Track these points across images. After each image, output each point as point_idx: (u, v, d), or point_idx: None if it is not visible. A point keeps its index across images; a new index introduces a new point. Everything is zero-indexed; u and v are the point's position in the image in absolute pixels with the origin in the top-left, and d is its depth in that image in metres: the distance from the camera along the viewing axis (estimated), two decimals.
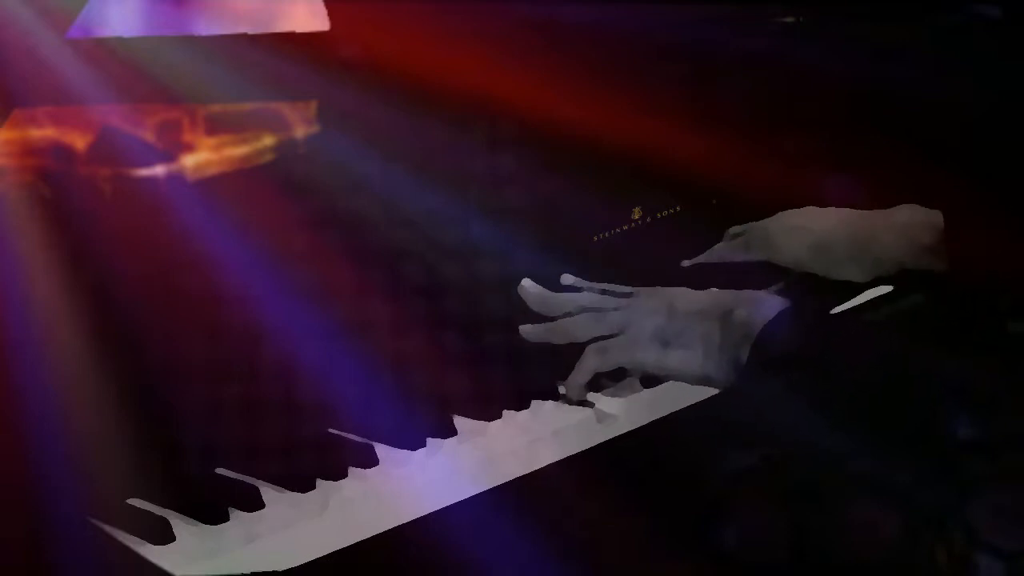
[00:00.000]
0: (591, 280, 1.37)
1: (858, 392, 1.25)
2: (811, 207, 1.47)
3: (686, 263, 1.52)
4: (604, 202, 1.49)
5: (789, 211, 1.47)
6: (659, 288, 1.28)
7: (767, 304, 1.18)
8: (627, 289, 1.29)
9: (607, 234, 1.50)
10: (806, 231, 1.44)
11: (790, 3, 1.68)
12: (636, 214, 1.52)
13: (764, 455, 1.11)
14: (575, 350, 1.35)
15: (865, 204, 1.58)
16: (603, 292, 1.30)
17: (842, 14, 1.71)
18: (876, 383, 1.36)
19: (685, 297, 1.24)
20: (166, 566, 1.06)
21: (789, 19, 1.68)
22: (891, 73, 1.72)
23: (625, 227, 1.52)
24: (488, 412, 1.27)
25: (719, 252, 1.50)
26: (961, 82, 1.80)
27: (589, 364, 1.25)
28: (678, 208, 1.56)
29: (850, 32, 1.70)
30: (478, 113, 1.36)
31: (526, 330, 1.29)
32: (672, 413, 1.32)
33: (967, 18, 1.86)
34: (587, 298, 1.29)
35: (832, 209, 1.46)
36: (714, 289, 1.27)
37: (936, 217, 1.41)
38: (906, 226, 1.42)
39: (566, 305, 1.29)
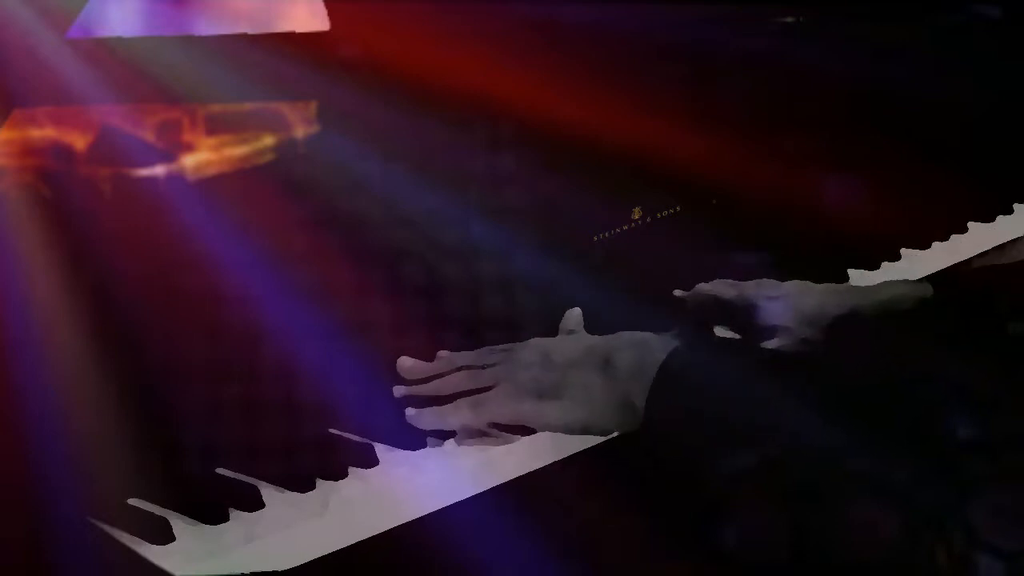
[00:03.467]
0: (591, 280, 1.37)
1: (858, 392, 1.25)
2: (794, 282, 1.43)
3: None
4: (604, 202, 1.49)
5: (774, 285, 1.43)
6: (535, 340, 1.26)
7: (654, 344, 1.17)
8: (506, 346, 1.26)
9: (607, 234, 1.50)
10: (790, 305, 1.39)
11: (790, 3, 1.68)
12: (636, 214, 1.52)
13: (764, 455, 1.11)
14: None
15: (864, 204, 1.58)
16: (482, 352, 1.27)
17: (842, 14, 1.71)
18: (876, 383, 1.36)
19: (561, 347, 1.23)
20: (166, 566, 1.06)
21: (789, 19, 1.68)
22: (891, 73, 1.72)
23: (625, 227, 1.52)
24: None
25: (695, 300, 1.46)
26: (961, 82, 1.80)
27: (462, 419, 1.22)
28: (678, 208, 1.56)
29: (850, 32, 1.71)
30: (478, 113, 1.36)
31: (399, 390, 1.26)
32: (672, 413, 1.32)
33: (967, 18, 1.86)
34: (465, 357, 1.27)
35: (818, 287, 1.43)
36: (592, 338, 1.25)
37: (922, 290, 1.40)
38: (892, 302, 1.40)
39: (443, 366, 1.27)
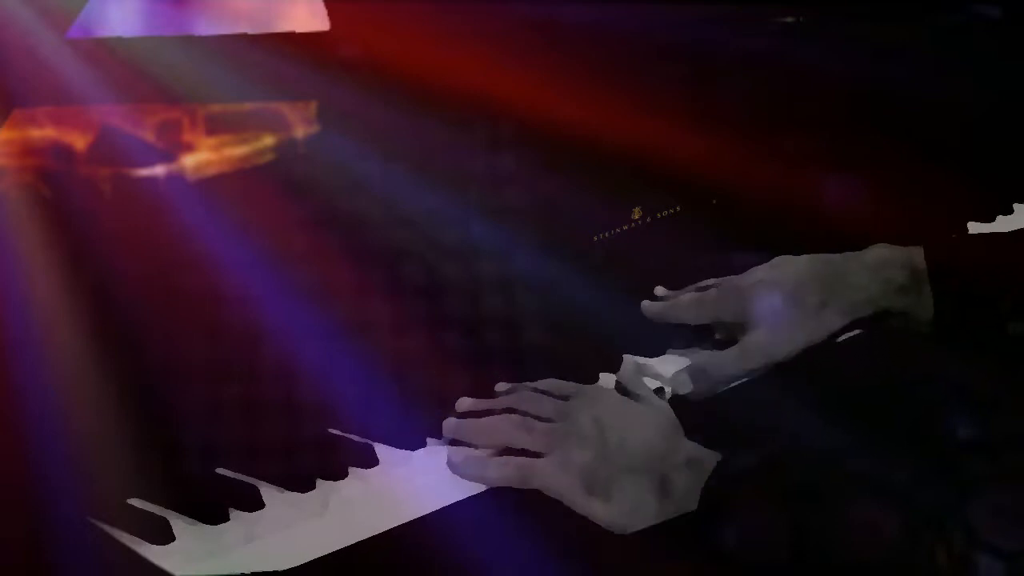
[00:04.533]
0: (591, 280, 1.37)
1: (858, 392, 1.25)
2: (781, 257, 1.41)
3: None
4: (604, 202, 1.49)
5: (758, 266, 1.42)
6: (594, 396, 1.21)
7: (710, 464, 1.14)
8: (564, 391, 1.22)
9: (607, 234, 1.50)
10: (776, 283, 1.37)
11: (790, 3, 1.68)
12: (636, 214, 1.52)
13: (764, 455, 1.11)
14: (576, 350, 1.36)
15: (864, 204, 1.58)
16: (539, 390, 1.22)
17: (842, 14, 1.71)
18: (876, 383, 1.36)
19: (620, 433, 1.16)
20: (166, 566, 1.06)
21: (789, 19, 1.68)
22: (891, 73, 1.72)
23: (625, 227, 1.52)
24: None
25: (689, 302, 1.42)
26: (961, 82, 1.80)
27: (504, 477, 1.17)
28: (678, 208, 1.56)
29: (850, 32, 1.70)
30: (478, 113, 1.36)
31: (449, 427, 1.22)
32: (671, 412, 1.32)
33: (967, 18, 1.86)
34: (522, 400, 1.21)
35: (802, 256, 1.41)
36: (653, 433, 1.18)
37: (909, 255, 1.37)
38: (879, 265, 1.38)
39: (497, 404, 1.22)
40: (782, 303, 1.35)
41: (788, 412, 1.37)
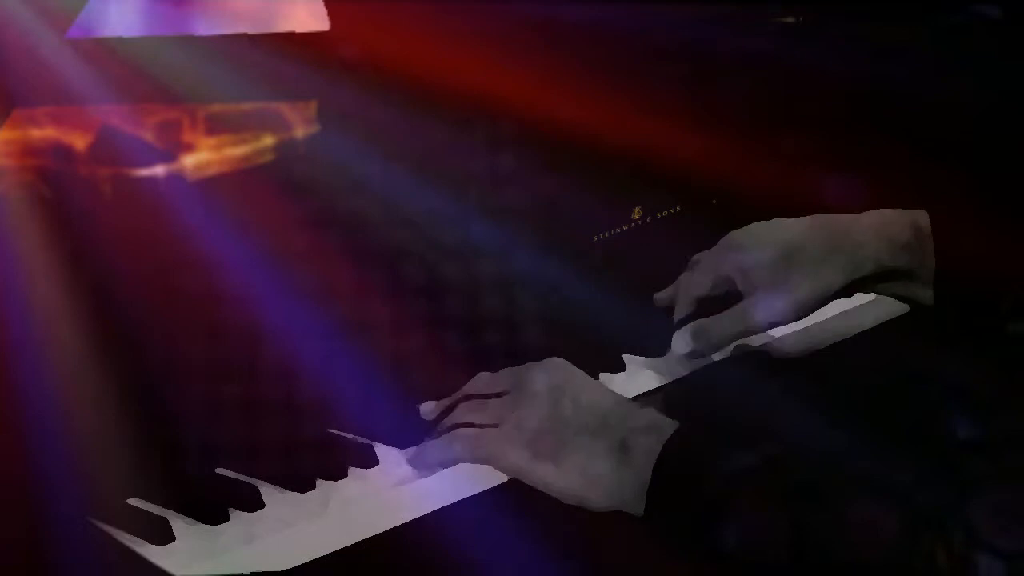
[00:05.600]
0: (591, 280, 1.37)
1: (858, 392, 1.25)
2: (780, 219, 1.39)
3: (659, 297, 1.44)
4: (604, 202, 1.49)
5: (758, 222, 1.40)
6: (555, 368, 1.18)
7: (670, 429, 1.12)
8: (524, 367, 1.20)
9: (607, 234, 1.50)
10: (778, 235, 1.35)
11: (790, 3, 1.68)
12: (636, 214, 1.52)
13: (764, 455, 1.11)
14: (576, 350, 1.35)
15: (864, 204, 1.58)
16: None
17: (842, 14, 1.71)
18: (876, 383, 1.36)
19: (578, 400, 1.15)
20: (166, 566, 1.06)
21: (789, 19, 1.68)
22: (891, 73, 1.72)
23: (625, 227, 1.52)
24: None
25: (687, 287, 1.40)
26: (961, 82, 1.80)
27: (456, 455, 1.16)
28: (678, 208, 1.56)
29: (850, 32, 1.70)
30: (478, 113, 1.36)
31: (425, 408, 1.22)
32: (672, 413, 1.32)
33: (967, 18, 1.86)
34: (480, 383, 1.21)
35: (804, 217, 1.40)
36: (610, 402, 1.16)
37: (913, 216, 1.36)
38: (882, 224, 1.36)
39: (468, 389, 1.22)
40: (782, 258, 1.34)
41: (788, 412, 1.37)
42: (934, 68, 1.76)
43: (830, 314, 1.45)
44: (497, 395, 1.19)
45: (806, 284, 1.32)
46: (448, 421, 1.20)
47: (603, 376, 1.37)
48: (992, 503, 1.01)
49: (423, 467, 1.18)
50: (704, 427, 1.14)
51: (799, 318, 1.34)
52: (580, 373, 1.20)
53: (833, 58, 1.66)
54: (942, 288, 1.35)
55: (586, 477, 1.12)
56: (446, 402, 1.23)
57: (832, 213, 1.41)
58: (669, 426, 1.13)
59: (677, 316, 1.39)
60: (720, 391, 1.37)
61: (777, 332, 1.40)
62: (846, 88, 1.69)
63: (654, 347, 1.40)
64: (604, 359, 1.38)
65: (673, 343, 1.34)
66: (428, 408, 1.23)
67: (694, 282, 1.39)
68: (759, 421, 1.34)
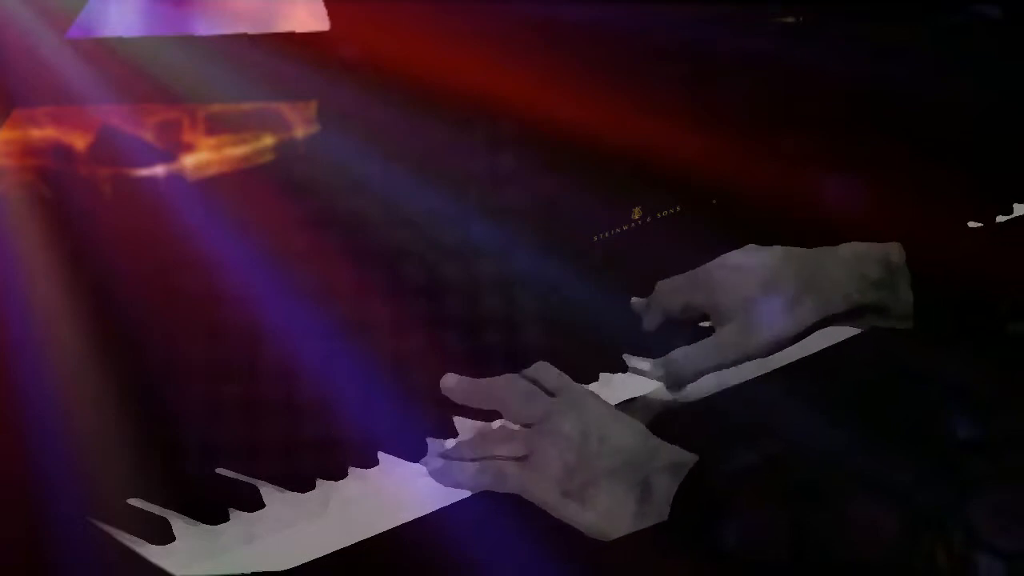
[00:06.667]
0: (591, 280, 1.37)
1: (858, 392, 1.25)
2: (751, 245, 1.37)
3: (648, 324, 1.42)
4: (604, 202, 1.49)
5: (730, 252, 1.39)
6: (580, 407, 1.18)
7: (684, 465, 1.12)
8: (557, 383, 1.20)
9: (607, 234, 1.50)
10: (751, 270, 1.33)
11: (790, 3, 1.68)
12: (636, 214, 1.52)
13: (764, 454, 1.11)
14: (576, 350, 1.36)
15: (864, 204, 1.58)
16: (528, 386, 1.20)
17: (842, 14, 1.71)
18: (876, 383, 1.36)
19: (602, 440, 1.15)
20: (166, 566, 1.06)
21: (789, 19, 1.68)
22: (891, 73, 1.72)
23: (625, 227, 1.52)
24: (488, 412, 1.27)
25: (659, 300, 1.39)
26: (961, 82, 1.80)
27: (483, 483, 1.17)
28: (678, 208, 1.56)
29: (850, 32, 1.70)
30: (478, 113, 1.36)
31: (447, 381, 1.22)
32: (671, 413, 1.32)
33: (967, 18, 1.86)
34: (506, 394, 1.20)
35: (776, 247, 1.39)
36: (635, 440, 1.16)
37: (886, 250, 1.34)
38: (853, 260, 1.35)
39: (481, 399, 1.22)
40: (756, 294, 1.33)
41: (788, 412, 1.36)
42: (934, 68, 1.76)
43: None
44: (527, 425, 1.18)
45: (779, 322, 1.31)
46: (479, 451, 1.19)
47: (603, 376, 1.37)
48: (992, 503, 1.01)
49: (448, 484, 1.18)
50: (704, 427, 1.14)
51: (770, 355, 1.33)
52: (606, 408, 1.20)
53: (833, 58, 1.66)
54: (922, 283, 1.34)
55: (610, 517, 1.13)
56: (471, 388, 1.22)
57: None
58: (691, 462, 1.13)
59: (647, 327, 1.39)
60: (721, 391, 1.37)
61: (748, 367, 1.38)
62: (846, 88, 1.69)
63: (654, 347, 1.40)
64: (604, 359, 1.38)
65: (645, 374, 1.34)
66: (450, 381, 1.23)
67: (666, 300, 1.38)
68: (759, 421, 1.34)
